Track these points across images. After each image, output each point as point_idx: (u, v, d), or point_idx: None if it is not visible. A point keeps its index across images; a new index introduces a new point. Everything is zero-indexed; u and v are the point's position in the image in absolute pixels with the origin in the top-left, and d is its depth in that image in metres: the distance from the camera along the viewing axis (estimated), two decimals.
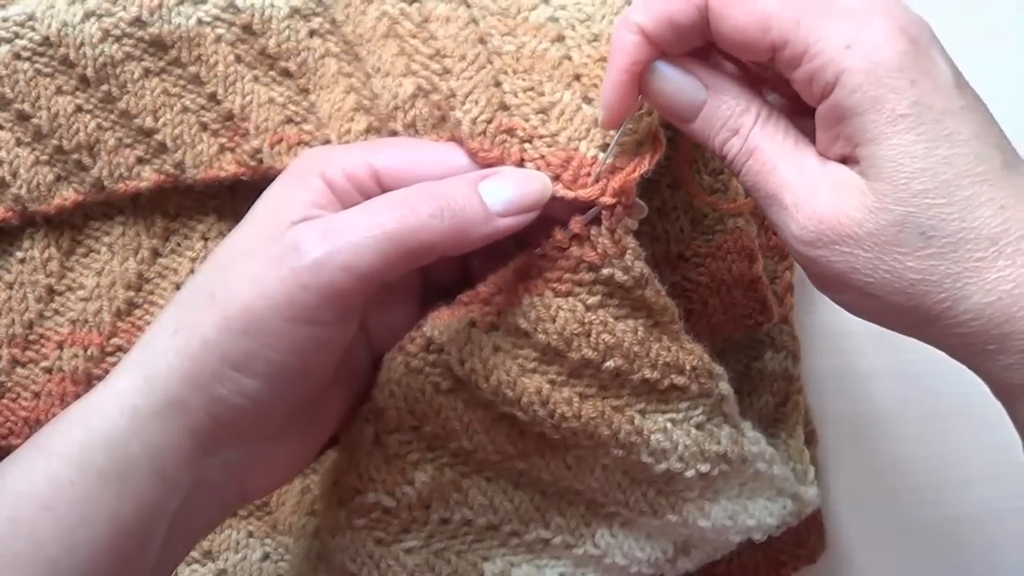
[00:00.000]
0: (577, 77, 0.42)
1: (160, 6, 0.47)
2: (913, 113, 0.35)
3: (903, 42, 0.36)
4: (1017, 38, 0.65)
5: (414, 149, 0.42)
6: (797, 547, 0.58)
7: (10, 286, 0.50)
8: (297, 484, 0.52)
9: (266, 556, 0.52)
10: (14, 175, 0.48)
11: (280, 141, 0.48)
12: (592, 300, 0.42)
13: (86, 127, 0.48)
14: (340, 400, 0.44)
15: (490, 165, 0.41)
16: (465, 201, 0.39)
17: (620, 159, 0.41)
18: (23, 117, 0.48)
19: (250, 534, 0.52)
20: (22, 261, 0.50)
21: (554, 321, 0.42)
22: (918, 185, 0.35)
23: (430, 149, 0.42)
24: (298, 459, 0.44)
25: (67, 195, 0.49)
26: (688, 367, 0.44)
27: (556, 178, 0.41)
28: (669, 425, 0.44)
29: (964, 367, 0.38)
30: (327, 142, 0.48)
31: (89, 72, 0.47)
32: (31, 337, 0.50)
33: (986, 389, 0.39)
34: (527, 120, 0.42)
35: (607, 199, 0.41)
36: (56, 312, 0.50)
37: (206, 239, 0.51)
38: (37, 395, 0.50)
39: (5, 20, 0.46)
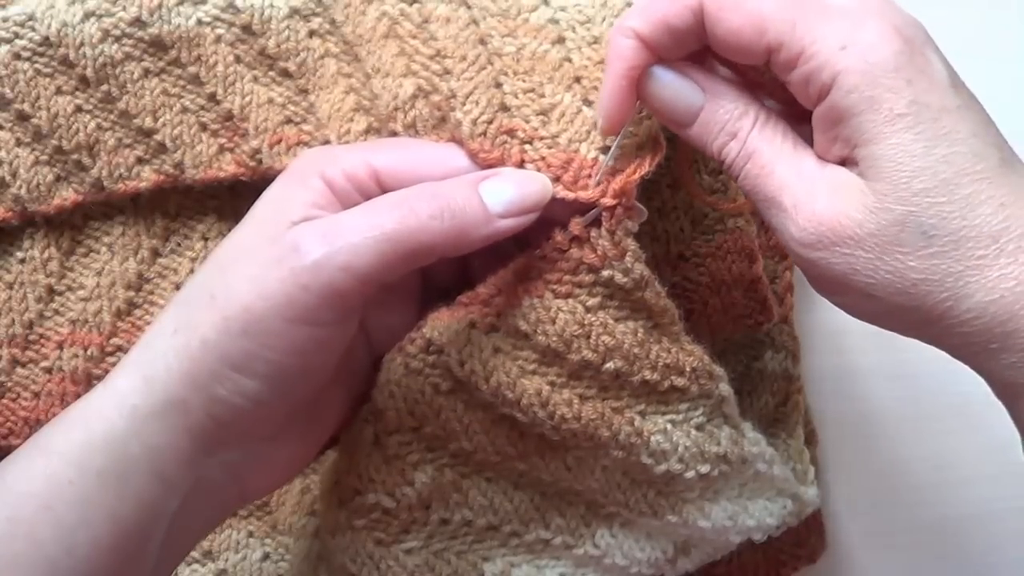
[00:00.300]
0: (578, 79, 0.42)
1: (160, 6, 0.47)
2: (911, 112, 0.35)
3: (898, 42, 0.36)
4: (1017, 38, 0.65)
5: (414, 149, 0.42)
6: (797, 547, 0.59)
7: (10, 286, 0.50)
8: (297, 484, 0.52)
9: (266, 556, 0.52)
10: (14, 175, 0.48)
11: (279, 141, 0.48)
12: (592, 302, 0.42)
13: (86, 127, 0.48)
14: (340, 401, 0.44)
15: (490, 166, 0.41)
16: (465, 202, 0.39)
17: (620, 161, 0.41)
18: (23, 117, 0.48)
19: (250, 534, 0.52)
20: (22, 261, 0.50)
21: (554, 323, 0.42)
22: (918, 184, 0.35)
23: (430, 150, 0.42)
24: (298, 459, 0.44)
25: (67, 195, 0.49)
26: (688, 368, 0.44)
27: (556, 179, 0.41)
28: (669, 426, 0.44)
29: (964, 367, 0.38)
30: (327, 142, 0.48)
31: (89, 72, 0.47)
32: (31, 337, 0.50)
33: (986, 389, 0.39)
34: (528, 121, 0.41)
35: (607, 200, 0.41)
36: (56, 312, 0.50)
37: (206, 239, 0.51)
38: (37, 395, 0.50)
39: (5, 20, 0.46)
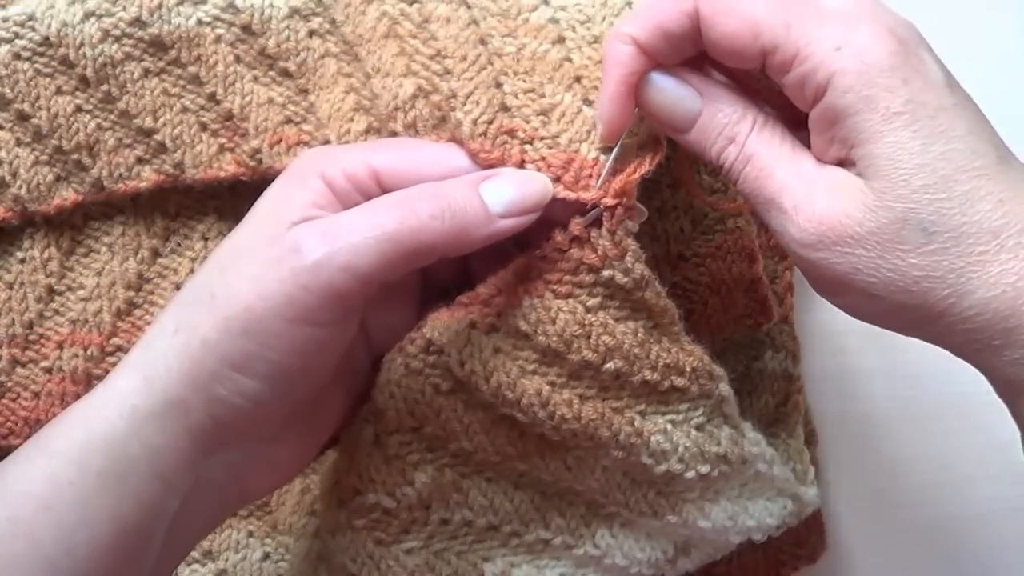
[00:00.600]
0: (578, 79, 0.42)
1: (160, 6, 0.47)
2: (907, 111, 0.35)
3: (893, 42, 0.36)
4: (1015, 39, 0.65)
5: (414, 149, 0.42)
6: (797, 547, 0.59)
7: (10, 286, 0.50)
8: (297, 484, 0.52)
9: (266, 556, 0.52)
10: (14, 175, 0.48)
11: (279, 141, 0.48)
12: (592, 302, 0.42)
13: (86, 127, 0.48)
14: (340, 401, 0.44)
15: (491, 166, 0.41)
16: (466, 202, 0.39)
17: (620, 160, 0.41)
18: (23, 117, 0.48)
19: (250, 534, 0.52)
20: (22, 261, 0.50)
21: (554, 323, 0.42)
22: (917, 181, 0.35)
23: (430, 149, 0.42)
24: (298, 459, 0.44)
25: (67, 195, 0.49)
26: (688, 368, 0.44)
27: (557, 180, 0.41)
28: (669, 426, 0.44)
29: (964, 367, 0.38)
30: (327, 142, 0.48)
31: (89, 72, 0.47)
32: (31, 337, 0.50)
33: (986, 388, 0.39)
34: (528, 121, 0.41)
35: (608, 200, 0.41)
36: (56, 312, 0.50)
37: (206, 239, 0.51)
38: (37, 395, 0.50)
39: (5, 20, 0.46)
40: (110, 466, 0.37)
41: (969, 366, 0.38)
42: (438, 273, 0.45)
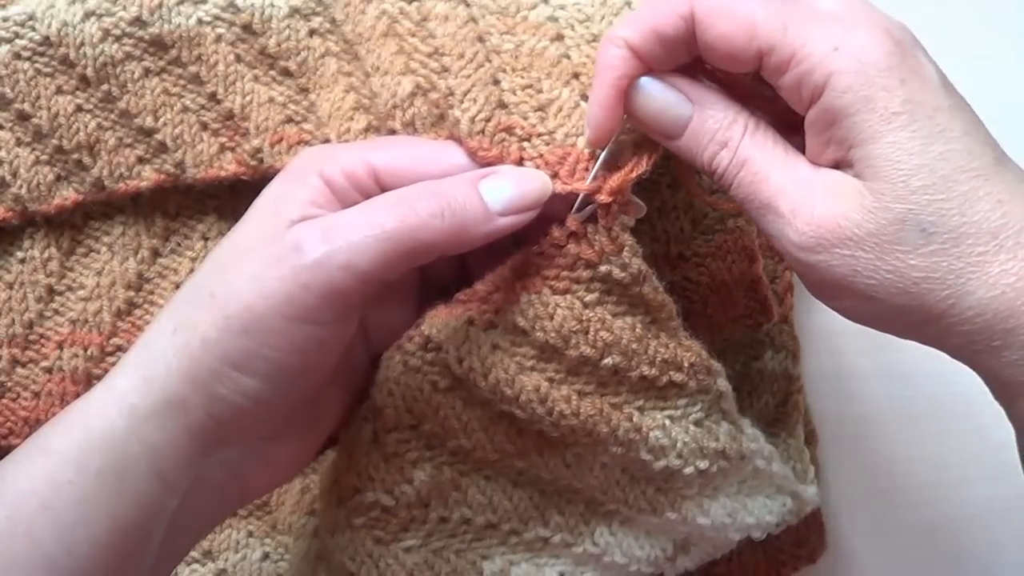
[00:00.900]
0: (576, 75, 0.42)
1: (160, 6, 0.47)
2: (906, 111, 0.35)
3: (889, 43, 0.36)
4: (1017, 38, 0.65)
5: (413, 148, 0.42)
6: (797, 547, 0.58)
7: (10, 286, 0.50)
8: (297, 484, 0.52)
9: (266, 556, 0.52)
10: (14, 175, 0.48)
11: (280, 140, 0.48)
12: (590, 297, 0.42)
13: (86, 127, 0.48)
14: (339, 399, 0.44)
15: (489, 164, 0.41)
16: (465, 200, 0.39)
17: (619, 157, 0.41)
18: (23, 117, 0.48)
19: (250, 534, 0.52)
20: (22, 261, 0.50)
21: (552, 319, 0.42)
22: (916, 182, 0.35)
23: (429, 148, 0.42)
24: (297, 459, 0.44)
25: (67, 195, 0.49)
26: (686, 364, 0.44)
27: (554, 176, 0.41)
28: (667, 422, 0.44)
29: (962, 367, 0.38)
30: (327, 141, 0.48)
31: (89, 72, 0.47)
32: (31, 337, 0.50)
33: (985, 389, 0.39)
34: (525, 118, 0.42)
35: (603, 197, 0.41)
36: (56, 312, 0.50)
37: (206, 239, 0.51)
38: (37, 395, 0.50)
39: (5, 20, 0.46)
40: (109, 465, 0.37)
41: (965, 367, 0.38)
42: (436, 271, 0.45)
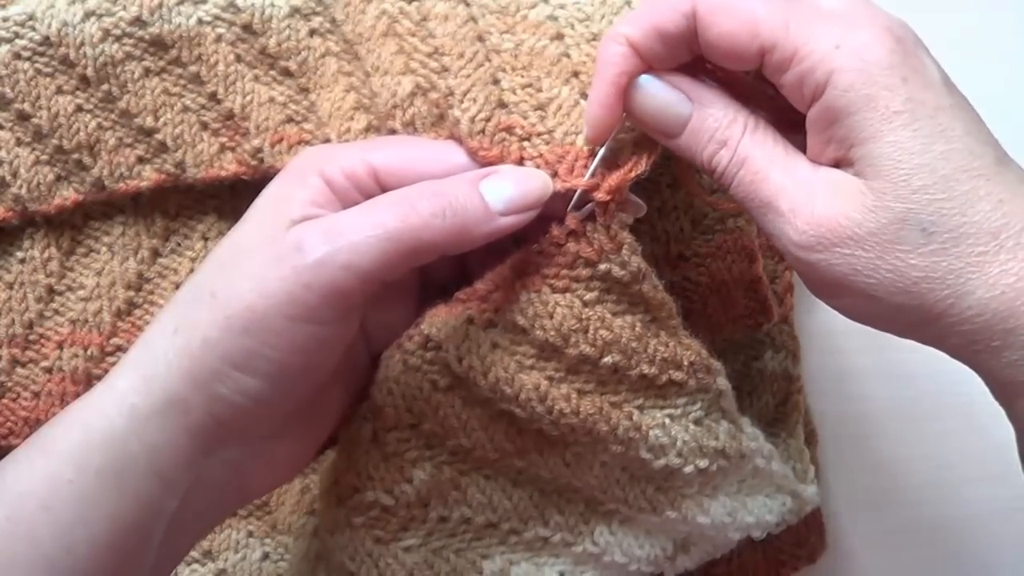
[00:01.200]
0: (575, 74, 0.42)
1: (160, 6, 0.47)
2: (907, 110, 0.35)
3: (891, 41, 0.36)
4: (1019, 37, 0.65)
5: (413, 147, 0.42)
6: (797, 547, 0.58)
7: (10, 286, 0.50)
8: (297, 484, 0.52)
9: (266, 556, 0.52)
10: (14, 175, 0.48)
11: (280, 140, 0.48)
12: (589, 296, 0.42)
13: (86, 127, 0.48)
14: (339, 399, 0.44)
15: (489, 163, 0.41)
16: (466, 200, 0.39)
17: (618, 155, 0.41)
18: (23, 117, 0.48)
19: (250, 534, 0.52)
20: (22, 261, 0.50)
21: (552, 317, 0.42)
22: (917, 181, 0.35)
23: (429, 147, 0.42)
24: (297, 458, 0.44)
25: (67, 195, 0.49)
26: (686, 362, 0.44)
27: (554, 174, 0.41)
28: (667, 421, 0.44)
29: (963, 367, 0.38)
30: (327, 141, 0.48)
31: (89, 72, 0.47)
32: (31, 337, 0.50)
33: (985, 389, 0.38)
34: (525, 117, 0.42)
35: (601, 195, 0.41)
36: (56, 312, 0.50)
37: (206, 239, 0.51)
38: (37, 395, 0.50)
39: (5, 20, 0.46)
40: (109, 464, 0.37)
41: (965, 367, 0.38)
42: (436, 270, 0.45)
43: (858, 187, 0.36)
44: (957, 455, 0.62)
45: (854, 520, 0.62)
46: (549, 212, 0.41)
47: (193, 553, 0.52)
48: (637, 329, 0.43)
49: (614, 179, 0.41)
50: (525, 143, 0.41)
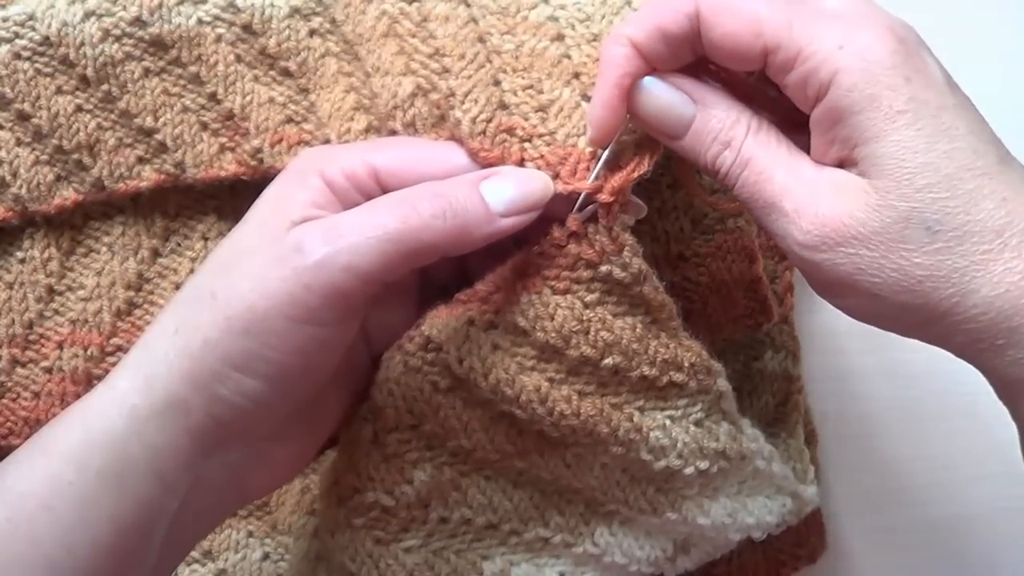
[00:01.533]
0: (576, 75, 0.42)
1: (160, 6, 0.47)
2: (911, 109, 0.36)
3: (893, 41, 0.36)
4: (1017, 38, 0.65)
5: (413, 148, 0.42)
6: (797, 547, 0.59)
7: (10, 286, 0.50)
8: (297, 484, 0.52)
9: (266, 556, 0.52)
10: (14, 175, 0.48)
11: (280, 140, 0.48)
12: (590, 297, 0.42)
13: (86, 127, 0.48)
14: (339, 400, 0.44)
15: (490, 164, 0.41)
16: (467, 201, 0.39)
17: (619, 157, 0.41)
18: (23, 117, 0.48)
19: (250, 534, 0.52)
20: (22, 261, 0.50)
21: (552, 319, 0.42)
22: (921, 180, 0.35)
23: (429, 148, 0.42)
24: (298, 459, 0.44)
25: (67, 195, 0.49)
26: (686, 364, 0.44)
27: (556, 176, 0.41)
28: (668, 422, 0.44)
29: (964, 367, 0.38)
30: (327, 141, 0.48)
31: (89, 72, 0.47)
32: (31, 337, 0.50)
33: (987, 389, 0.39)
34: (526, 119, 0.42)
35: (604, 197, 0.41)
36: (56, 312, 0.50)
37: (206, 239, 0.51)
38: (37, 395, 0.50)
39: (5, 20, 0.46)
40: (109, 465, 0.37)
41: (967, 366, 0.38)
42: (437, 271, 0.45)
43: (862, 187, 0.37)
44: (958, 455, 0.62)
45: (854, 520, 0.62)
46: (550, 213, 0.41)
47: (193, 553, 0.52)
48: (638, 331, 0.43)
49: (617, 180, 0.41)
50: (526, 144, 0.41)
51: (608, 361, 0.42)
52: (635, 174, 0.41)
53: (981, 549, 0.63)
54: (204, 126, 0.48)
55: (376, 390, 0.43)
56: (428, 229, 0.38)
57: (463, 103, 0.42)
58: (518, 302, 0.42)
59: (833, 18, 0.37)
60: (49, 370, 0.50)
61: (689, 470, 0.45)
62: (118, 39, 0.47)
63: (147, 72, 0.48)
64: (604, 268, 0.41)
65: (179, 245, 0.51)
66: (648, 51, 0.39)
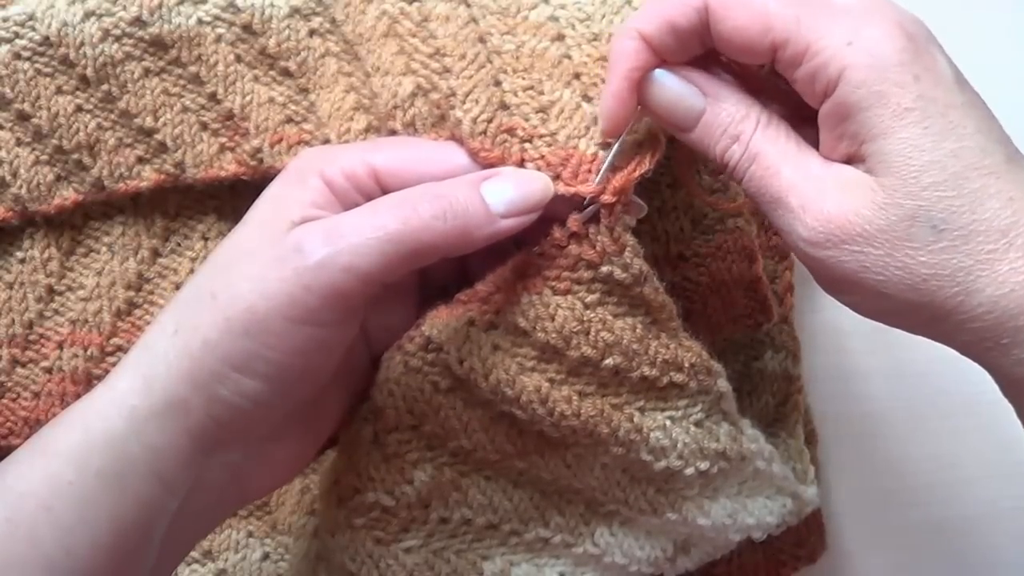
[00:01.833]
0: (577, 75, 0.42)
1: (160, 6, 0.47)
2: (918, 107, 0.35)
3: (903, 39, 0.36)
4: (1017, 38, 0.65)
5: (413, 148, 0.42)
6: (797, 547, 0.58)
7: (10, 286, 0.50)
8: (297, 484, 0.52)
9: (266, 556, 0.52)
10: (14, 175, 0.48)
11: (280, 140, 0.48)
12: (591, 298, 0.42)
13: (86, 127, 0.48)
14: (339, 400, 0.44)
15: (491, 165, 0.41)
16: (467, 202, 0.39)
17: (620, 158, 0.41)
18: (23, 117, 0.48)
19: (250, 534, 0.52)
20: (22, 261, 0.50)
21: (553, 319, 0.42)
22: (928, 178, 0.35)
23: (429, 148, 0.42)
24: (298, 459, 0.44)
25: (67, 195, 0.49)
26: (687, 364, 0.44)
27: (556, 177, 0.41)
28: (668, 423, 0.44)
29: (964, 367, 0.38)
30: (327, 141, 0.48)
31: (89, 72, 0.47)
32: (31, 337, 0.50)
33: (988, 388, 0.39)
34: (527, 119, 0.41)
35: (607, 197, 0.41)
36: (56, 312, 0.50)
37: (206, 239, 0.51)
38: (37, 395, 0.50)
39: (5, 20, 0.46)
40: (109, 466, 0.37)
41: (969, 366, 0.38)
42: (437, 272, 0.45)
43: (869, 184, 0.36)
44: (958, 455, 0.62)
45: (854, 520, 0.62)
46: (550, 214, 0.41)
47: (193, 553, 0.52)
48: (638, 331, 0.43)
49: (619, 180, 0.41)
50: (527, 145, 0.41)
51: (608, 362, 0.42)
52: (637, 173, 0.41)
53: (983, 549, 0.63)
54: (204, 126, 0.48)
55: (376, 390, 0.43)
56: (428, 230, 0.38)
57: (464, 103, 0.42)
58: (519, 302, 0.42)
59: (842, 13, 0.37)
60: (49, 370, 0.50)
61: (689, 471, 0.45)
62: (118, 39, 0.47)
63: (147, 72, 0.48)
64: (605, 269, 0.41)
65: (179, 245, 0.51)
66: (657, 44, 0.39)
